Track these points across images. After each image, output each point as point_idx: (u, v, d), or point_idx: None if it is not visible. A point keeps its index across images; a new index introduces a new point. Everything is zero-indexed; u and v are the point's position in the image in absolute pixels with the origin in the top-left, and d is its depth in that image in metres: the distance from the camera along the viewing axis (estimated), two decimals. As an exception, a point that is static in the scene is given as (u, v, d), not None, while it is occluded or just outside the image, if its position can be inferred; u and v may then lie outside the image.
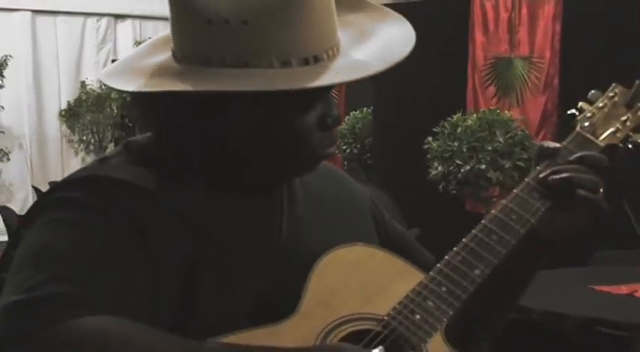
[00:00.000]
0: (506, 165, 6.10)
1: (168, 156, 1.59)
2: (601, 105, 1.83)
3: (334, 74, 1.51)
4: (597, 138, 1.79)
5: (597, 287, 4.63)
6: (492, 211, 1.64)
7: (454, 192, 6.22)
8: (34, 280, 1.33)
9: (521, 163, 6.05)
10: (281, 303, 1.53)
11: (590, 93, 1.85)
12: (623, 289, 4.63)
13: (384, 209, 1.91)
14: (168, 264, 1.46)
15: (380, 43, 1.57)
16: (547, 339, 4.34)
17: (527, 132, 6.35)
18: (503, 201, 1.65)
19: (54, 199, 1.49)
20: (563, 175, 1.64)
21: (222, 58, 1.49)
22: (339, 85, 8.11)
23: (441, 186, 6.21)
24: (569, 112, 1.83)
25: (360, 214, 1.82)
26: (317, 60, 1.50)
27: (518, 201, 1.67)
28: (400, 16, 1.63)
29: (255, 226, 1.62)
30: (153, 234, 1.47)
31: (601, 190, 1.67)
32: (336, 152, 2.23)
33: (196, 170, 1.60)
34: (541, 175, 1.67)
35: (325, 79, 1.51)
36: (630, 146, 1.78)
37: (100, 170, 1.57)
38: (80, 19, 8.67)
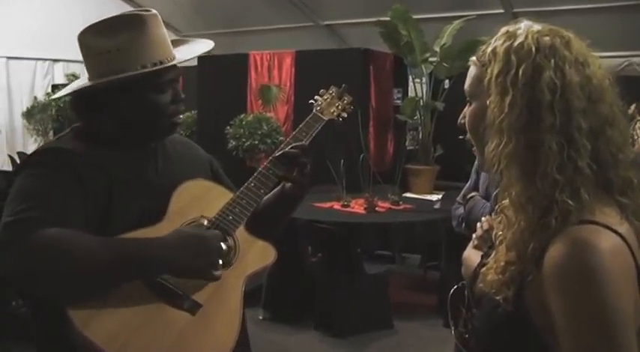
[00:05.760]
0: (268, 141, 6.82)
1: (92, 133, 1.68)
2: (326, 97, 2.00)
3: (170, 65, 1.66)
4: (325, 115, 1.95)
5: (314, 204, 5.50)
6: (261, 167, 1.82)
7: (241, 155, 6.84)
8: (18, 208, 1.46)
9: (275, 140, 6.80)
10: (157, 213, 1.66)
11: (320, 91, 2.02)
12: (327, 205, 5.55)
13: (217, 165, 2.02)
14: (95, 197, 1.58)
15: (191, 51, 1.78)
16: (290, 231, 4.92)
17: (278, 124, 7.08)
18: (264, 164, 1.82)
19: (31, 161, 1.59)
20: (285, 156, 1.81)
21: (111, 70, 1.61)
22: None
23: (234, 153, 6.79)
24: (310, 101, 1.97)
25: (201, 163, 1.94)
26: (162, 63, 1.64)
27: (268, 165, 1.82)
28: (203, 40, 1.84)
29: (141, 169, 1.72)
30: (85, 179, 1.57)
31: (308, 166, 1.81)
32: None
33: (107, 139, 1.68)
34: (276, 155, 1.83)
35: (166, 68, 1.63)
36: (340, 119, 1.99)
37: (55, 144, 1.67)
38: (33, 61, 9.10)
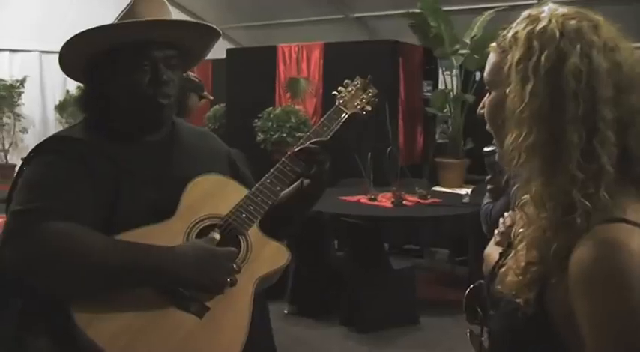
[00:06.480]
0: (297, 135, 6.77)
1: (102, 123, 1.69)
2: (350, 89, 1.92)
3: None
4: (347, 109, 1.87)
5: (340, 197, 5.46)
6: (278, 163, 1.75)
7: (269, 148, 6.94)
8: (27, 198, 1.48)
9: (303, 133, 6.97)
10: (168, 208, 1.62)
11: (344, 82, 1.95)
12: (354, 198, 5.49)
13: (239, 158, 1.99)
14: (103, 186, 1.57)
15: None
16: (316, 226, 4.82)
17: (306, 117, 7.17)
18: (282, 159, 1.75)
19: (41, 149, 1.61)
20: (305, 152, 1.73)
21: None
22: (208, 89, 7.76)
23: (262, 146, 6.95)
24: (333, 93, 1.91)
25: (218, 157, 1.88)
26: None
27: (286, 161, 1.76)
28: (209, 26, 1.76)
29: (153, 161, 1.69)
30: (94, 168, 1.57)
31: (327, 163, 1.74)
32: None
33: (117, 131, 1.68)
34: (295, 150, 1.74)
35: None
36: (364, 112, 1.91)
37: (66, 132, 1.71)
38: (66, 56, 9.40)
